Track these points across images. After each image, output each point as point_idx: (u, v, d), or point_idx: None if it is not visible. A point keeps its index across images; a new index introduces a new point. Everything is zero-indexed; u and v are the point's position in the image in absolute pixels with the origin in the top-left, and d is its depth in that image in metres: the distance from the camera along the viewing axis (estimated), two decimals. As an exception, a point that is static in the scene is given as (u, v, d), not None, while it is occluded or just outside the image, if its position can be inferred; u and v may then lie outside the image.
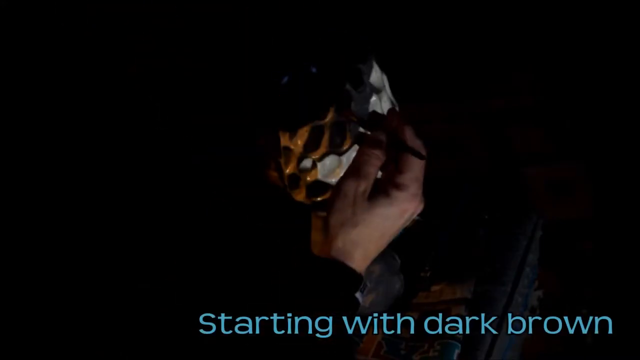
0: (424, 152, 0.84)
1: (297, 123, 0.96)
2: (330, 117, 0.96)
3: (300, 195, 1.02)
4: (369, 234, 0.83)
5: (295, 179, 1.01)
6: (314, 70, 0.92)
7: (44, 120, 0.67)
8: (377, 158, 0.84)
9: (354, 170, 0.84)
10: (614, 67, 1.71)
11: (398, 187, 0.83)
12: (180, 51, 0.99)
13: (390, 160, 0.85)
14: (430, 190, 1.26)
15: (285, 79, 0.92)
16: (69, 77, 0.68)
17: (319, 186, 1.01)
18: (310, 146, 0.99)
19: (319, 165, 0.99)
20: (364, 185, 0.83)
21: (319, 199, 1.01)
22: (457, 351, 1.04)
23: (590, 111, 1.69)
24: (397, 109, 1.04)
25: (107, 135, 0.69)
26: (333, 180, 1.00)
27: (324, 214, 1.03)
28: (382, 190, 0.83)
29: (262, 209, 0.85)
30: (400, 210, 0.83)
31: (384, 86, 1.02)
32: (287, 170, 1.01)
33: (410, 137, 0.84)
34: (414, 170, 0.83)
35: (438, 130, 1.63)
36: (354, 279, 0.82)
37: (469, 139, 1.64)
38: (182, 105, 1.11)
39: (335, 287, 0.81)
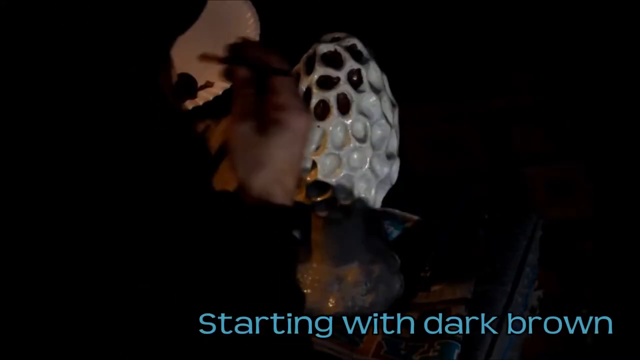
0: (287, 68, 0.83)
1: None
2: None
3: (300, 196, 1.02)
4: (279, 167, 0.81)
5: (295, 179, 1.01)
6: None
7: (43, 120, 0.67)
8: (249, 94, 0.82)
9: (235, 115, 0.82)
10: (614, 67, 1.71)
11: (281, 109, 0.81)
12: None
13: (263, 89, 0.83)
14: (430, 190, 1.26)
15: None
16: (69, 77, 0.68)
17: (319, 186, 1.01)
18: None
19: (319, 165, 1.00)
20: (250, 123, 0.81)
21: (319, 199, 1.01)
22: (457, 351, 1.04)
23: (590, 111, 1.69)
24: (397, 108, 1.04)
25: (106, 135, 0.69)
26: (333, 180, 1.00)
27: (324, 213, 1.03)
28: (268, 120, 0.81)
29: (261, 209, 0.85)
30: (295, 132, 0.81)
31: (384, 86, 1.02)
32: (287, 170, 1.01)
33: (276, 61, 0.83)
34: (288, 86, 0.82)
35: (438, 130, 1.63)
36: (283, 212, 0.81)
37: (469, 139, 1.64)
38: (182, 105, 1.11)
39: (272, 226, 0.80)
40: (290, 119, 0.81)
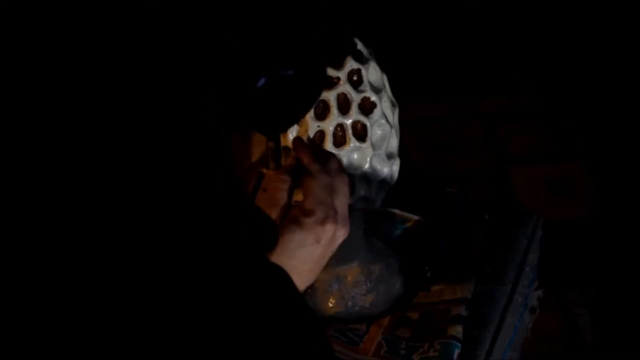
0: (326, 176, 0.84)
1: (273, 127, 0.95)
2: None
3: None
4: (287, 261, 0.81)
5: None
6: (290, 72, 0.91)
7: (44, 120, 0.67)
8: (283, 182, 0.85)
9: (268, 198, 0.85)
10: (613, 68, 1.72)
11: (304, 212, 0.83)
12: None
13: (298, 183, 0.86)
14: (430, 190, 1.26)
15: (262, 82, 0.90)
16: (69, 77, 0.68)
17: (319, 186, 1.01)
18: (310, 146, 0.99)
19: (319, 165, 1.00)
20: (275, 211, 0.84)
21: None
22: (457, 351, 1.04)
23: (590, 111, 1.69)
24: (397, 108, 1.04)
25: (106, 135, 0.69)
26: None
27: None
28: (291, 216, 0.83)
29: (261, 209, 0.86)
30: (313, 236, 0.83)
31: (384, 86, 1.02)
32: (287, 170, 1.01)
33: (309, 159, 0.85)
34: (316, 194, 0.83)
35: (438, 130, 1.63)
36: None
37: (469, 139, 1.64)
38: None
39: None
40: (310, 223, 0.82)
